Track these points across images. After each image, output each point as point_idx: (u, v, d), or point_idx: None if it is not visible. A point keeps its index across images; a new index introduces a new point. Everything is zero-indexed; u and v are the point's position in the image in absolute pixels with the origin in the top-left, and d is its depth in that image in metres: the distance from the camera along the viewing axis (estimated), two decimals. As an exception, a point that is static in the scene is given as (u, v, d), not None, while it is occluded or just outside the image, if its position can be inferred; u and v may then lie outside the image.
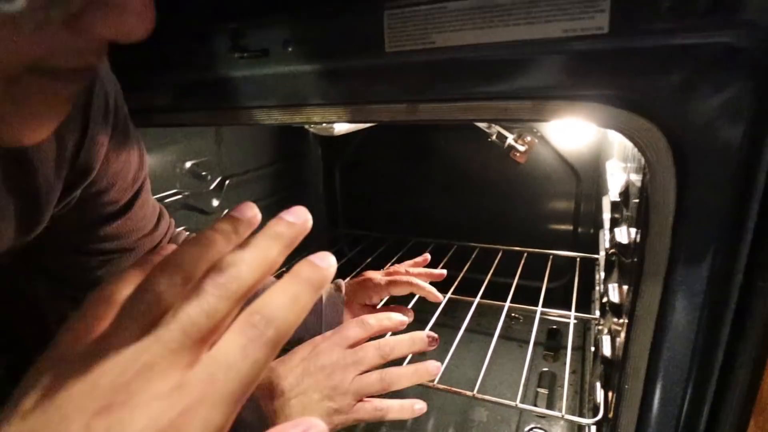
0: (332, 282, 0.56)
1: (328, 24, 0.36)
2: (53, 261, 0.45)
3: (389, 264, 0.88)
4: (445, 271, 0.63)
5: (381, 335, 0.48)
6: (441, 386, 0.53)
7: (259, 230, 0.23)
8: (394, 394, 0.45)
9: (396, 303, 0.61)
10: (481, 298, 0.78)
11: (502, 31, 0.30)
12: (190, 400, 0.17)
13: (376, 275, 0.59)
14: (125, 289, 0.21)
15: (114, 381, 0.17)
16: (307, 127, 0.64)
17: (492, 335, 0.65)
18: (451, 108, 0.35)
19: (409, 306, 0.59)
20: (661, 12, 0.27)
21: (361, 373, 0.44)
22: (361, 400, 0.44)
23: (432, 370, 0.46)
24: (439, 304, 0.62)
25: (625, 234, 0.46)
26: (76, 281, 0.46)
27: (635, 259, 0.38)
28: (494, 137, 0.83)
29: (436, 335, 0.47)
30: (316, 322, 0.54)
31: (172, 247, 0.24)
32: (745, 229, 0.31)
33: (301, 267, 0.21)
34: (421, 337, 0.47)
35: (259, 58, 0.40)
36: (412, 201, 1.08)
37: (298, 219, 0.22)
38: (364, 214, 1.14)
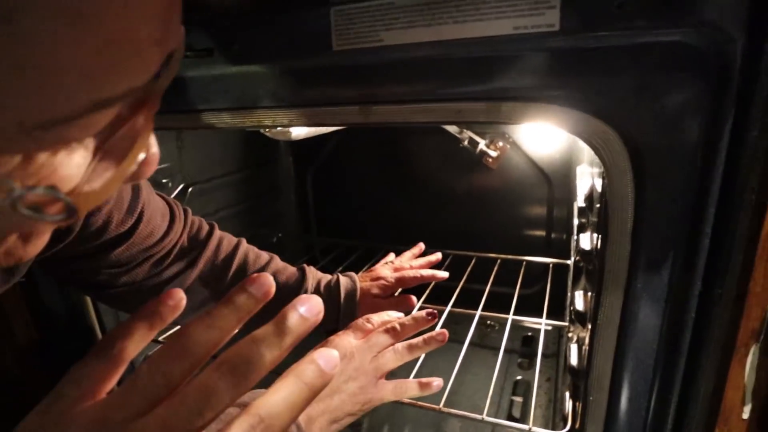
0: (348, 276, 0.60)
1: (273, 21, 0.34)
2: (73, 275, 0.48)
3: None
4: (440, 255, 0.70)
5: None
6: (407, 400, 0.50)
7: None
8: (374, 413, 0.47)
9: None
10: (457, 305, 0.77)
11: (452, 29, 0.29)
12: None
13: (387, 273, 0.63)
14: (131, 346, 0.24)
15: None
16: (262, 131, 0.62)
17: (468, 344, 0.64)
18: (405, 110, 0.34)
19: None
20: (612, 10, 0.26)
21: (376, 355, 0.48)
22: (381, 379, 0.47)
23: (439, 337, 0.49)
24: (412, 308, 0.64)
25: (588, 240, 0.45)
26: (101, 290, 0.49)
27: (596, 266, 0.37)
28: (466, 143, 0.83)
29: (434, 311, 0.50)
30: (333, 315, 0.57)
31: (179, 293, 0.26)
32: (702, 234, 0.30)
33: (307, 369, 0.23)
34: (422, 316, 0.51)
35: (203, 58, 0.38)
36: (384, 208, 1.06)
37: (312, 314, 0.23)
38: (337, 221, 1.12)
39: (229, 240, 0.56)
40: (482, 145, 0.82)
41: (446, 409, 0.50)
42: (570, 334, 0.61)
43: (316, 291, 0.57)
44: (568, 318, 0.69)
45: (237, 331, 0.24)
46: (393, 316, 0.53)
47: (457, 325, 0.89)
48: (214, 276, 0.53)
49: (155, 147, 0.22)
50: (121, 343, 0.23)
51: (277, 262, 0.58)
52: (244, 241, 0.58)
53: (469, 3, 0.28)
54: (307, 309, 0.23)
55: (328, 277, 0.60)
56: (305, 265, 0.60)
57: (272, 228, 1.06)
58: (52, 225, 0.20)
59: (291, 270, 0.58)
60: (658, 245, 0.31)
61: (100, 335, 0.64)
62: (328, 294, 0.57)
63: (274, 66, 0.36)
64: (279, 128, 0.57)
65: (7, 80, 0.14)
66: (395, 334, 0.49)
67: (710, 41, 0.26)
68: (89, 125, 0.17)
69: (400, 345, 0.48)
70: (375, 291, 0.60)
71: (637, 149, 0.30)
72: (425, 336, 0.49)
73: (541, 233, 0.93)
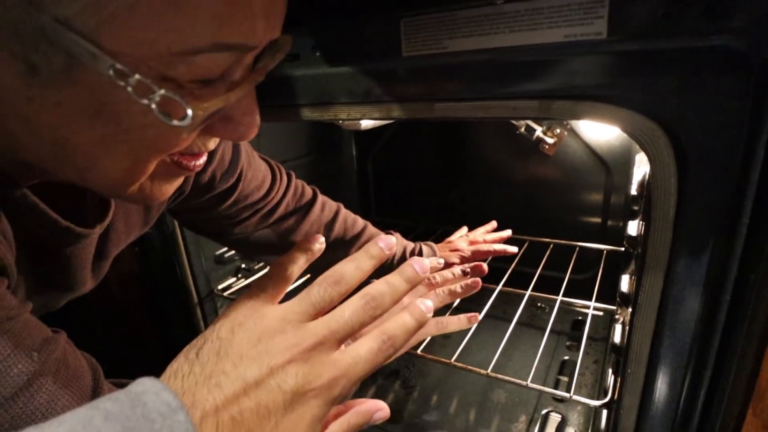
0: (429, 246, 0.69)
1: (351, 31, 0.40)
2: (194, 224, 0.59)
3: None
4: (510, 232, 0.80)
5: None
6: (458, 364, 0.56)
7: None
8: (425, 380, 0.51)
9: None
10: (512, 287, 0.80)
11: (508, 37, 0.33)
12: (340, 371, 0.27)
13: (464, 245, 0.72)
14: (296, 271, 0.33)
15: (301, 344, 0.27)
16: (336, 122, 0.68)
17: (518, 323, 0.68)
18: (464, 107, 0.38)
19: None
20: (657, 18, 0.29)
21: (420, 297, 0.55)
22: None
23: (473, 284, 0.54)
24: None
25: (635, 226, 0.47)
26: (219, 237, 0.60)
27: (640, 251, 0.40)
28: (522, 129, 0.84)
29: (467, 269, 0.57)
30: None
31: (322, 237, 0.36)
32: (740, 225, 0.32)
33: (416, 310, 0.31)
34: (459, 273, 0.57)
35: (291, 62, 0.44)
36: (441, 191, 1.10)
37: (422, 270, 0.33)
38: (396, 203, 1.18)
39: (330, 204, 0.65)
40: (539, 131, 0.83)
41: (493, 374, 0.55)
42: (617, 316, 0.63)
43: (402, 257, 0.65)
44: (617, 302, 0.70)
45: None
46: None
47: (507, 305, 0.93)
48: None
49: (258, 116, 0.30)
50: (290, 268, 0.33)
51: (371, 228, 0.67)
52: (342, 206, 0.66)
53: (524, 14, 0.32)
54: (420, 267, 0.32)
55: (412, 245, 0.68)
56: (392, 231, 0.68)
57: (335, 207, 1.14)
58: (173, 138, 0.27)
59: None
60: (697, 233, 0.34)
61: (188, 269, 0.78)
62: None
63: (351, 68, 0.41)
64: (351, 120, 0.63)
65: (168, 12, 0.21)
66: (434, 282, 0.55)
67: (751, 45, 0.28)
68: (209, 62, 0.24)
69: (440, 289, 0.54)
70: (453, 260, 0.68)
71: (681, 145, 0.32)
72: (462, 283, 0.55)
73: (597, 220, 0.93)
